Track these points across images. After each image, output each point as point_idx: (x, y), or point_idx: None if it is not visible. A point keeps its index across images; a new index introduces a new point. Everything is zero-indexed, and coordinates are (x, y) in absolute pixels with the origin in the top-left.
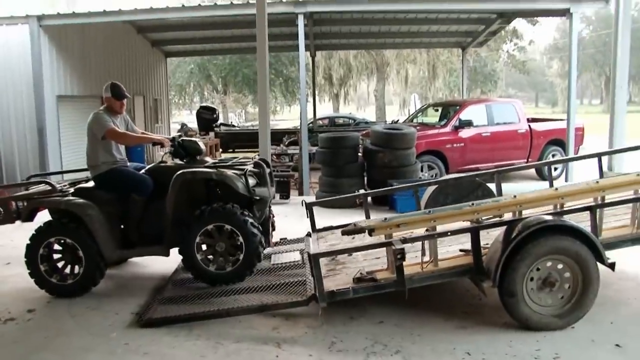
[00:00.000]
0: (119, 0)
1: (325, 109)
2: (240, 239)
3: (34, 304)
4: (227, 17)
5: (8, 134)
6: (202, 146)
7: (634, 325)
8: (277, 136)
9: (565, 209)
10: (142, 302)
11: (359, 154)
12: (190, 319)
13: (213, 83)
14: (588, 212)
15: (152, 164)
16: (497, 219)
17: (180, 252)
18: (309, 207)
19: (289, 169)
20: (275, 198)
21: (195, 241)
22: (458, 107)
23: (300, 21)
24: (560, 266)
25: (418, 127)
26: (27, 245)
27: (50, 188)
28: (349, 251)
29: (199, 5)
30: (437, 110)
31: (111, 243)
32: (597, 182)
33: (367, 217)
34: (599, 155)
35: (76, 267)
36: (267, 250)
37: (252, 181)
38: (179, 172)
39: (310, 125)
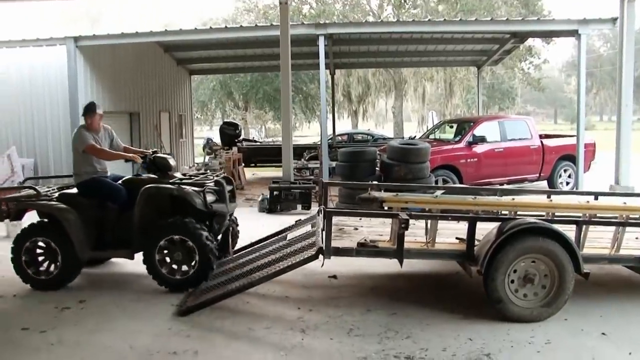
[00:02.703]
0: (135, 20)
1: (344, 125)
2: (195, 248)
3: (83, 296)
4: (251, 37)
5: (45, 146)
6: (172, 162)
7: (619, 318)
8: (298, 151)
9: (555, 217)
10: (179, 296)
11: (377, 168)
12: (222, 298)
13: (234, 100)
14: (575, 225)
15: (128, 177)
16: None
17: (143, 255)
18: (325, 186)
19: (310, 182)
20: (297, 208)
21: (156, 249)
22: (472, 124)
23: (321, 42)
24: (533, 262)
25: (434, 143)
26: (12, 247)
27: (35, 193)
28: (361, 215)
29: (225, 27)
30: (452, 127)
31: (85, 244)
32: (588, 202)
33: None
34: (595, 194)
35: (55, 264)
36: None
37: (211, 197)
38: (145, 187)
39: (330, 141)
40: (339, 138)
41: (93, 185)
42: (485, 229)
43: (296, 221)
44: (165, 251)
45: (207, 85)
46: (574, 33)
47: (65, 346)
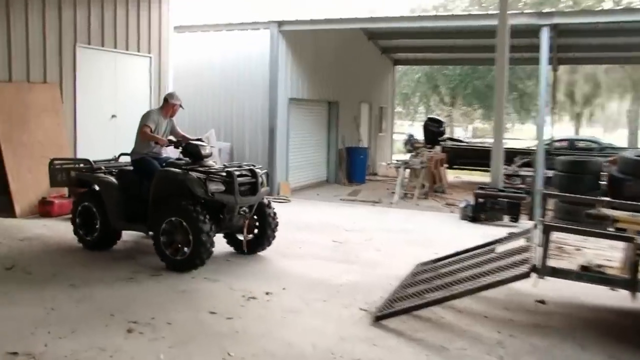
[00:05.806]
0: (343, 5)
1: (564, 129)
2: (189, 228)
3: (270, 287)
4: (463, 26)
5: (241, 131)
6: (205, 151)
7: None
8: (509, 156)
9: None
10: (369, 300)
11: (602, 182)
12: (418, 308)
13: (440, 94)
14: None
15: (170, 160)
16: None
17: (152, 231)
18: (544, 197)
19: (520, 191)
20: (503, 220)
21: (160, 228)
22: None
23: (544, 33)
24: None
25: None
26: (71, 209)
27: (89, 166)
28: (586, 233)
29: (435, 15)
30: None
31: (117, 214)
32: None
33: None
34: None
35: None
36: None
37: (218, 187)
38: (159, 170)
39: (547, 146)
40: (558, 144)
41: (140, 163)
42: None
43: (508, 233)
44: (170, 233)
45: (412, 77)
46: None
47: (249, 336)
